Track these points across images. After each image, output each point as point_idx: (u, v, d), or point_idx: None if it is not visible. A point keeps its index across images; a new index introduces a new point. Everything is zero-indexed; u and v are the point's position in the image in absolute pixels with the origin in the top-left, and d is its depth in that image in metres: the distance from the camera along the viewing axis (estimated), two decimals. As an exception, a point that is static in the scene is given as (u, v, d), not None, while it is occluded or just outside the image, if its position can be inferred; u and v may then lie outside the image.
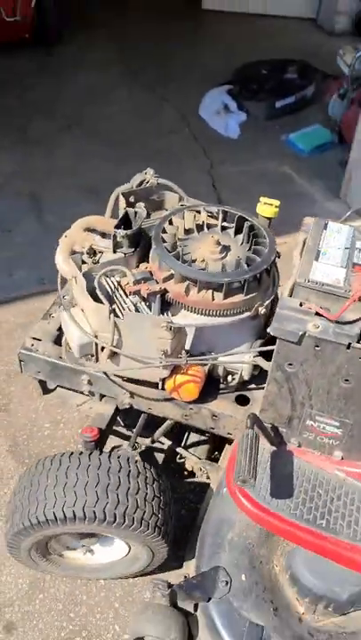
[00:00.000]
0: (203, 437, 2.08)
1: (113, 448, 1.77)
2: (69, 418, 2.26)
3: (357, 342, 1.34)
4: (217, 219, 1.66)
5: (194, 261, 1.53)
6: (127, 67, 4.53)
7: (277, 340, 1.41)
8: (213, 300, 1.48)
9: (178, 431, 2.07)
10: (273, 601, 1.63)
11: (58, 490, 1.53)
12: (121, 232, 1.56)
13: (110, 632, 1.74)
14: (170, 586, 1.57)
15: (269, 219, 1.66)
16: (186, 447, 2.05)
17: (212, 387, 1.71)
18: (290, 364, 1.43)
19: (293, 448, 1.63)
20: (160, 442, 2.01)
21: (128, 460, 1.65)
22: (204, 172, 3.49)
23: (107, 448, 1.80)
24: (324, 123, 3.89)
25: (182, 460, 2.04)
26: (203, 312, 1.50)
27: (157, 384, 1.67)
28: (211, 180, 3.25)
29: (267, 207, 1.65)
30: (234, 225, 1.65)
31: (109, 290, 1.56)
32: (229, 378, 1.69)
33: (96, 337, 1.55)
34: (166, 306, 1.54)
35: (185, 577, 1.67)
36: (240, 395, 1.71)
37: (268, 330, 1.38)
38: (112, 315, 1.49)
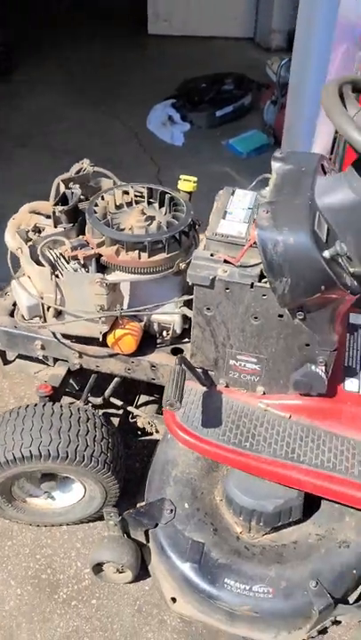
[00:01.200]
0: (152, 397, 2.31)
1: (69, 405, 1.98)
2: (32, 394, 2.46)
3: (259, 282, 1.60)
4: (144, 196, 1.92)
5: (123, 229, 1.78)
6: (77, 89, 4.84)
7: (194, 287, 1.66)
8: (140, 259, 1.73)
9: (129, 393, 2.29)
10: (213, 523, 1.85)
11: (16, 435, 1.75)
12: (59, 208, 1.81)
13: (73, 568, 1.94)
14: (120, 514, 1.78)
15: (189, 192, 1.92)
16: (137, 407, 2.27)
17: (150, 342, 1.95)
18: (208, 308, 1.69)
19: (222, 388, 1.87)
20: (113, 404, 2.23)
21: (78, 408, 1.88)
22: (153, 177, 3.78)
23: (62, 406, 2.01)
24: (260, 128, 4.23)
25: (134, 420, 2.26)
26: (132, 270, 1.75)
27: (103, 344, 1.91)
28: (159, 184, 3.53)
29: (186, 183, 1.92)
30: (158, 199, 1.91)
31: (52, 259, 1.80)
32: (164, 333, 1.94)
33: (42, 298, 1.79)
34: (102, 268, 1.78)
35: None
36: (175, 347, 1.95)
37: (188, 279, 1.64)
38: (54, 276, 1.73)
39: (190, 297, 1.72)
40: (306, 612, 1.70)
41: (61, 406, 1.85)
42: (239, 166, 3.78)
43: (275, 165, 1.68)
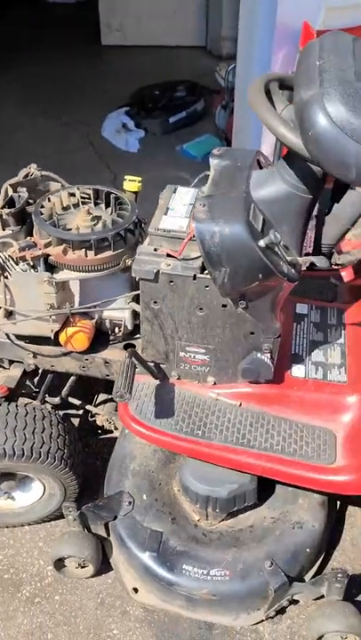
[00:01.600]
0: (110, 396, 2.35)
1: (25, 405, 2.01)
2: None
3: (201, 273, 1.66)
4: (90, 197, 1.97)
5: (69, 229, 1.83)
6: (32, 99, 4.87)
7: (140, 282, 1.71)
8: (87, 257, 1.78)
9: (88, 392, 2.33)
10: (171, 512, 1.89)
11: (-27, 435, 1.78)
12: (6, 211, 1.84)
13: (35, 566, 1.96)
14: (79, 508, 1.81)
15: (135, 192, 1.98)
16: (95, 406, 2.31)
17: (103, 339, 1.99)
18: (154, 302, 1.74)
19: (174, 380, 1.92)
20: (72, 404, 2.26)
21: (34, 407, 1.91)
22: (109, 183, 3.82)
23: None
24: (213, 132, 4.31)
25: (94, 419, 2.30)
26: (80, 269, 1.79)
27: (56, 344, 1.94)
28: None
29: (131, 183, 1.97)
30: (104, 200, 1.96)
31: (0, 261, 1.83)
32: (116, 329, 1.98)
33: (-10, 299, 1.82)
34: (50, 268, 1.82)
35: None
36: (128, 343, 2.00)
37: (133, 273, 1.69)
38: (2, 277, 1.76)
39: (137, 292, 1.77)
40: (262, 592, 1.76)
41: (17, 405, 1.88)
42: (194, 170, 3.80)
43: (213, 162, 1.75)
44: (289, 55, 2.81)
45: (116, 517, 1.86)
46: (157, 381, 1.91)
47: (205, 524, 1.91)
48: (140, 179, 1.98)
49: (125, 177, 1.99)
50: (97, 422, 2.27)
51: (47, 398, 2.14)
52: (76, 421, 2.32)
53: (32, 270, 1.83)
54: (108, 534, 1.89)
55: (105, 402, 2.32)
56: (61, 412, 2.12)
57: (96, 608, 1.87)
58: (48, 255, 1.79)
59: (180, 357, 1.86)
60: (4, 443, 1.76)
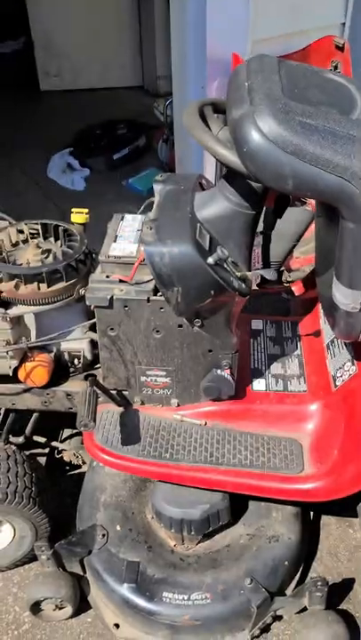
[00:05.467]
0: (75, 430, 2.32)
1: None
2: None
3: (155, 295, 1.68)
4: (39, 232, 1.98)
5: (20, 264, 1.83)
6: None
7: (95, 310, 1.72)
8: (39, 289, 1.78)
9: (52, 428, 2.29)
10: (147, 541, 1.87)
11: None
12: None
13: (11, 614, 1.88)
14: (52, 547, 1.76)
15: (83, 224, 2.00)
16: (61, 441, 2.27)
17: (63, 372, 1.98)
18: (111, 329, 1.75)
19: (138, 406, 1.92)
20: (37, 442, 2.22)
21: (-2, 448, 1.87)
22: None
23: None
24: (157, 165, 4.41)
25: (61, 455, 2.26)
26: (34, 302, 1.79)
27: (16, 380, 1.92)
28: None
29: (78, 215, 1.99)
30: (52, 234, 1.97)
31: None
32: (75, 361, 1.98)
33: None
34: (4, 304, 1.81)
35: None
36: (88, 373, 1.98)
37: (87, 301, 1.70)
38: None
39: (93, 320, 1.78)
40: (245, 611, 1.74)
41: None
42: (141, 203, 3.89)
43: (157, 188, 1.79)
44: (222, 86, 2.92)
45: (90, 552, 1.82)
46: (121, 408, 1.91)
47: (182, 548, 1.88)
48: (86, 210, 2.01)
49: (72, 210, 2.01)
50: (64, 458, 2.23)
51: (11, 438, 2.09)
52: (42, 460, 2.27)
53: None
54: (85, 571, 1.85)
55: (71, 437, 2.29)
56: (27, 452, 2.08)
57: (78, 649, 1.81)
58: (0, 291, 1.78)
59: (142, 382, 1.86)
60: (-31, 486, 1.72)
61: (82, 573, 1.85)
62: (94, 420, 1.63)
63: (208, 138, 1.45)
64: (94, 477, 1.98)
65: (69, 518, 2.03)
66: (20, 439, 2.11)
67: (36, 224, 1.98)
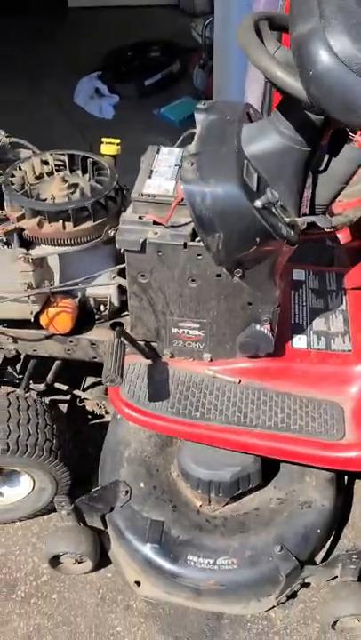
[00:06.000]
0: (99, 378, 2.21)
1: (7, 394, 1.86)
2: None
3: (192, 241, 1.51)
4: (65, 163, 1.79)
5: (44, 200, 1.66)
6: (-1, 68, 4.61)
7: (125, 254, 1.56)
8: (65, 229, 1.61)
9: (75, 376, 2.19)
10: (171, 500, 1.77)
11: None
12: (-28, 185, 1.67)
13: (30, 564, 1.84)
14: (72, 502, 1.68)
15: (113, 156, 1.80)
16: (84, 390, 2.17)
17: (88, 319, 1.84)
18: (142, 275, 1.59)
19: (167, 359, 1.78)
20: (59, 389, 2.12)
21: (17, 396, 1.76)
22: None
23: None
24: (191, 94, 4.10)
25: (83, 404, 2.16)
26: (58, 242, 1.63)
27: (38, 326, 1.79)
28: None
29: (109, 146, 1.80)
30: (80, 166, 1.78)
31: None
32: (102, 307, 1.83)
33: None
34: (26, 244, 1.66)
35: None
36: (115, 322, 1.84)
37: (117, 245, 1.53)
38: (-28, 256, 1.60)
39: (123, 265, 1.62)
40: (273, 578, 1.66)
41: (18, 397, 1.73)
42: (173, 135, 3.63)
43: (198, 117, 1.58)
44: (270, 3, 2.61)
45: (112, 509, 1.73)
46: (149, 361, 1.77)
47: (208, 509, 1.79)
48: (118, 141, 1.81)
49: (102, 140, 1.81)
50: (87, 407, 2.13)
51: (32, 385, 1.99)
52: (64, 408, 2.18)
53: (5, 247, 1.66)
54: (106, 526, 1.77)
55: (94, 385, 2.18)
56: (47, 399, 1.98)
57: (97, 605, 1.76)
58: (22, 229, 1.62)
59: (173, 334, 1.72)
60: (-13, 437, 1.62)
61: (103, 528, 1.78)
62: (121, 375, 1.50)
63: (266, 58, 1.23)
64: (118, 430, 1.88)
65: (92, 468, 1.94)
66: (41, 386, 2.01)
67: (63, 154, 1.79)
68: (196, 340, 1.72)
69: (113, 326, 1.83)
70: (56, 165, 1.79)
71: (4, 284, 1.65)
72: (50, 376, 1.99)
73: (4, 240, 1.67)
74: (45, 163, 1.79)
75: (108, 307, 1.81)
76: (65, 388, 2.09)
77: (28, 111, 4.07)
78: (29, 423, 1.69)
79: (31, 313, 1.70)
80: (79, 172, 1.78)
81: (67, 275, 1.75)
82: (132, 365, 1.76)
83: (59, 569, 1.78)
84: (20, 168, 1.73)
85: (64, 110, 4.15)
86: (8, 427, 1.65)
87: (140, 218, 1.53)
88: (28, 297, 1.66)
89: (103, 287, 1.77)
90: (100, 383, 2.18)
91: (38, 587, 1.79)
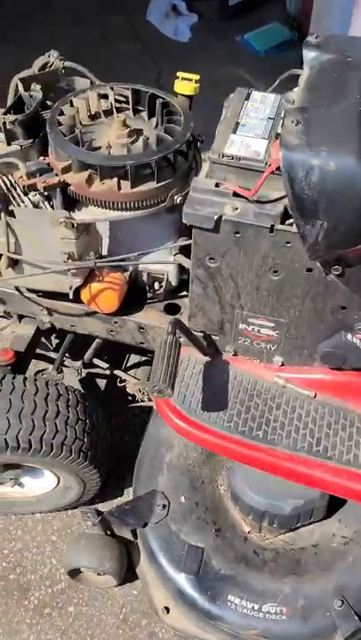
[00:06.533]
0: (144, 358, 1.92)
1: (37, 373, 1.60)
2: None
3: (282, 224, 1.15)
4: (128, 102, 1.43)
5: (97, 149, 1.31)
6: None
7: (193, 230, 1.21)
8: (120, 189, 1.27)
9: (117, 354, 1.90)
10: (215, 521, 1.51)
11: (-36, 417, 1.37)
12: (11, 117, 1.33)
13: (47, 566, 1.63)
14: (100, 514, 1.43)
15: (190, 97, 1.43)
16: (126, 370, 1.88)
17: (138, 297, 1.52)
18: (211, 258, 1.25)
19: (229, 357, 1.47)
20: (99, 366, 1.84)
21: (47, 383, 1.48)
22: (153, 82, 3.19)
23: (30, 374, 1.63)
24: (282, 20, 3.56)
25: (123, 384, 1.88)
26: (110, 205, 1.29)
27: (78, 300, 1.48)
28: (159, 89, 2.99)
29: (185, 83, 1.42)
30: (147, 107, 1.42)
31: (4, 188, 1.34)
32: (156, 285, 1.51)
33: (-11, 243, 1.35)
34: (71, 203, 1.33)
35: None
36: (170, 303, 1.53)
37: (183, 219, 1.19)
38: (3, 213, 1.28)
39: (188, 242, 1.28)
40: (328, 637, 1.38)
41: (25, 380, 1.46)
42: (257, 67, 3.17)
43: (308, 55, 1.19)
44: None
45: (146, 524, 1.48)
46: (207, 358, 1.46)
47: (258, 537, 1.52)
48: (197, 77, 1.42)
49: (178, 74, 1.43)
50: (127, 390, 1.85)
51: (67, 362, 1.71)
52: (101, 384, 1.91)
53: (44, 205, 1.34)
54: (136, 537, 1.53)
55: (138, 365, 1.89)
56: (84, 373, 1.70)
57: (117, 626, 1.54)
58: (67, 184, 1.29)
59: (240, 330, 1.39)
60: (6, 432, 1.36)
61: (132, 539, 1.53)
62: (173, 386, 1.20)
63: None
64: (160, 427, 1.60)
65: (126, 462, 1.69)
66: (78, 364, 1.73)
67: (127, 89, 1.43)
68: (267, 339, 1.39)
69: (167, 309, 1.52)
70: (117, 102, 1.43)
71: (39, 250, 1.33)
72: (88, 354, 1.70)
73: (46, 195, 1.34)
74: (104, 97, 1.43)
75: (163, 285, 1.49)
76: (104, 365, 1.81)
77: (88, 26, 3.62)
78: (57, 417, 1.42)
79: (70, 288, 1.40)
80: (145, 114, 1.42)
81: (117, 246, 1.43)
82: (185, 361, 1.45)
83: (78, 579, 1.56)
84: (71, 104, 1.38)
85: (133, 29, 3.68)
86: (32, 421, 1.38)
87: (216, 186, 1.18)
88: (68, 269, 1.35)
89: (160, 263, 1.44)
90: (145, 363, 1.89)
91: (54, 595, 1.58)
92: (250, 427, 1.36)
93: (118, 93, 1.45)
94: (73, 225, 1.27)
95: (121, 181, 1.27)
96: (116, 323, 1.52)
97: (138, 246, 1.39)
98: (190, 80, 1.42)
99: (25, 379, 1.46)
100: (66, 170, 1.29)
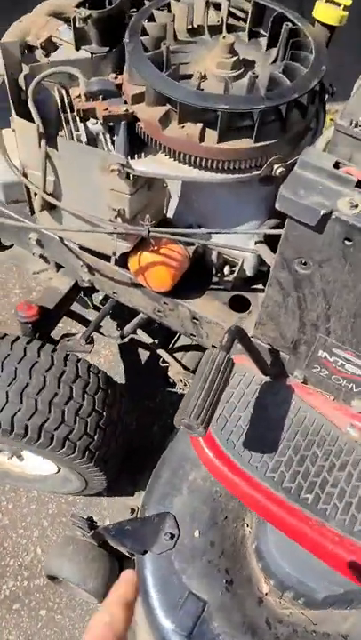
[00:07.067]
0: (195, 342, 1.61)
1: (63, 337, 1.34)
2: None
3: None
4: (245, 19, 1.05)
5: (186, 77, 0.96)
6: None
7: (287, 221, 0.86)
8: (202, 140, 0.93)
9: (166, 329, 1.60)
10: (229, 571, 1.22)
11: None
12: (83, 12, 0.99)
13: (30, 555, 1.42)
14: (93, 527, 1.18)
15: (331, 28, 1.03)
16: (172, 351, 1.58)
17: (200, 278, 1.20)
18: (303, 263, 0.90)
19: (296, 384, 1.13)
20: (141, 341, 1.56)
21: (66, 357, 1.21)
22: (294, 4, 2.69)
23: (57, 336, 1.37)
24: None
25: (166, 365, 1.59)
26: (187, 160, 0.95)
27: (125, 263, 1.18)
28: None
29: (329, 8, 1.02)
30: (269, 30, 1.03)
31: (59, 105, 1.02)
32: (226, 269, 1.17)
33: (25, 176, 1.05)
34: (137, 144, 1.00)
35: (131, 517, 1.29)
36: (238, 296, 1.19)
37: (276, 203, 0.83)
38: (44, 141, 0.97)
39: (278, 231, 0.93)
40: None
41: (41, 348, 1.19)
42: None
43: None
44: None
45: (145, 552, 1.22)
46: (266, 378, 1.13)
47: (276, 603, 1.23)
48: (348, 2, 1.02)
49: (320, -6, 1.03)
50: (168, 373, 1.56)
51: (104, 329, 1.43)
52: (143, 355, 1.63)
53: (104, 140, 1.02)
54: (132, 556, 1.28)
55: (186, 349, 1.58)
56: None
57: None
58: (135, 119, 0.96)
59: (318, 357, 1.05)
60: (1, 409, 1.10)
61: (128, 556, 1.29)
62: (207, 424, 0.88)
63: None
64: (189, 441, 1.31)
65: (152, 452, 1.42)
66: (116, 334, 1.45)
67: (248, 0, 1.05)
68: (350, 378, 1.05)
69: (232, 303, 1.18)
70: (231, 16, 1.06)
71: (81, 199, 1.02)
72: (129, 327, 1.41)
73: (111, 126, 1.02)
74: (215, 7, 1.06)
75: (236, 272, 1.15)
76: (148, 340, 1.52)
77: None
78: (67, 404, 1.15)
79: (114, 253, 1.09)
80: (263, 41, 1.04)
81: (187, 212, 1.09)
82: (237, 374, 1.13)
83: (59, 582, 1.34)
84: (168, 8, 1.02)
85: None
86: (35, 402, 1.12)
87: (336, 166, 0.81)
88: (114, 231, 1.03)
89: (238, 245, 1.10)
90: (196, 347, 1.58)
91: (29, 590, 1.37)
92: (299, 485, 1.04)
93: (236, 5, 1.07)
94: (130, 176, 0.94)
95: (206, 130, 0.92)
96: (165, 304, 1.21)
97: (213, 219, 1.05)
98: (338, 5, 1.01)
99: (41, 346, 1.19)
100: (137, 99, 0.95)
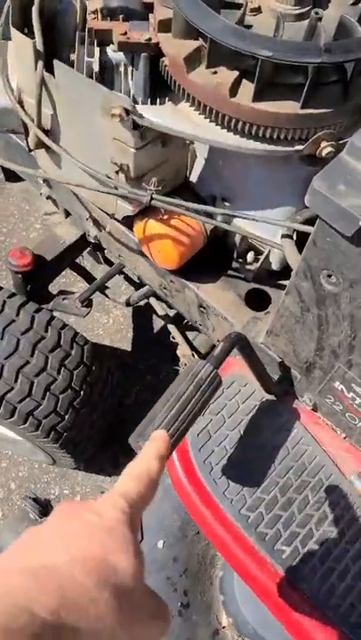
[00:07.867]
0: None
1: (59, 293, 1.18)
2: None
3: None
4: None
5: (237, 6, 0.74)
6: None
7: (317, 222, 0.65)
8: (235, 94, 0.71)
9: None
10: (188, 593, 1.09)
11: None
12: None
13: (-10, 515, 1.32)
14: (44, 512, 1.05)
15: None
16: (184, 329, 1.40)
17: (217, 260, 1.00)
18: (329, 276, 0.69)
19: (303, 409, 0.94)
20: (149, 310, 1.38)
21: (50, 320, 1.05)
22: None
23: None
24: None
25: (176, 342, 1.41)
26: (214, 116, 0.74)
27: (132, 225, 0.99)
28: None
29: None
30: None
31: (75, 21, 0.82)
32: (250, 256, 0.97)
33: (21, 103, 0.86)
34: (165, 88, 0.79)
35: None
36: (257, 290, 0.99)
37: (306, 197, 0.62)
38: (40, 62, 0.77)
39: (309, 229, 0.71)
40: None
41: (22, 306, 1.03)
42: None
43: None
44: None
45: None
46: (269, 396, 0.95)
47: (232, 636, 1.08)
48: None
49: None
50: (177, 352, 1.38)
51: (109, 291, 1.27)
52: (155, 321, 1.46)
53: (122, 72, 0.81)
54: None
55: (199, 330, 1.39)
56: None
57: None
58: (159, 53, 0.75)
59: (333, 387, 0.85)
60: None
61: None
62: (171, 449, 0.71)
63: None
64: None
65: (137, 422, 1.28)
66: (121, 299, 1.28)
67: None
68: (366, 420, 0.85)
69: (249, 298, 0.99)
70: None
71: (79, 142, 0.83)
72: (136, 295, 1.24)
73: (132, 56, 0.81)
74: None
75: (261, 260, 0.95)
76: (160, 311, 1.34)
77: None
78: (39, 375, 1.00)
79: (115, 214, 0.90)
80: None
81: (212, 178, 0.88)
82: (234, 382, 0.95)
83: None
84: None
85: None
86: (1, 368, 0.97)
87: None
88: (112, 189, 0.84)
89: (267, 232, 0.89)
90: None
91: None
92: (277, 532, 0.86)
93: None
94: (136, 125, 0.74)
95: (243, 81, 0.71)
96: (172, 282, 1.02)
97: (240, 195, 0.85)
98: None
99: (23, 304, 1.03)
100: (165, 26, 0.74)
